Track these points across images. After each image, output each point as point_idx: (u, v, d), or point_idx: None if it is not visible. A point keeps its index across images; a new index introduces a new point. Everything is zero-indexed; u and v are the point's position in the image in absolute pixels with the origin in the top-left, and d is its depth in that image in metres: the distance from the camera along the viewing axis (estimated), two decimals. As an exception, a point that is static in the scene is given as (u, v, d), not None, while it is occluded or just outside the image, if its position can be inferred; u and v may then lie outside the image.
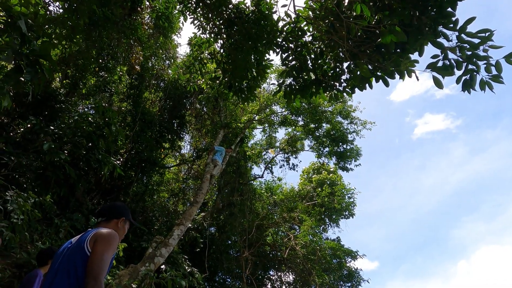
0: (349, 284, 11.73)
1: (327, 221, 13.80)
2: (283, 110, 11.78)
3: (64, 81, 9.05)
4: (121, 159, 9.70)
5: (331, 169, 15.08)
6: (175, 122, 11.26)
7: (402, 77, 2.89)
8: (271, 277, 12.91)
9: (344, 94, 3.69)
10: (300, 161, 11.74)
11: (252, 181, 12.83)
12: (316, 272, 10.32)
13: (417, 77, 2.82)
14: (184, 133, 12.04)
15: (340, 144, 11.07)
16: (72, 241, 1.89)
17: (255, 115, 12.25)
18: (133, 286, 5.32)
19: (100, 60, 9.12)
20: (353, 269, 11.95)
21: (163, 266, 6.70)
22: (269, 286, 12.62)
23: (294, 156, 12.95)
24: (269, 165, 12.98)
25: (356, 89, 3.50)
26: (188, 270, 7.62)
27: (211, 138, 11.51)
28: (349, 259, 12.21)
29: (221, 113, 11.31)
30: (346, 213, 13.73)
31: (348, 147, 11.19)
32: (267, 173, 13.16)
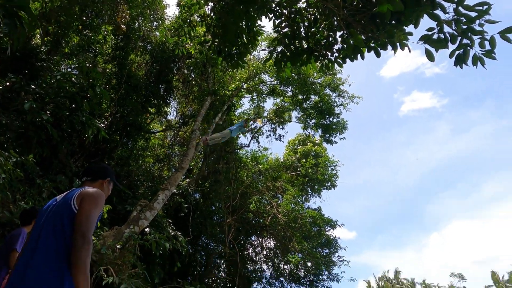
0: (326, 251, 12.30)
1: (310, 191, 14.18)
2: (272, 79, 11.65)
3: (46, 38, 8.58)
4: (106, 122, 9.52)
5: (317, 141, 15.28)
6: (161, 86, 11.00)
7: (394, 49, 2.88)
8: (253, 242, 13.37)
9: (335, 64, 3.66)
10: (287, 132, 11.84)
11: (238, 150, 12.90)
12: (296, 238, 10.73)
13: (409, 49, 2.81)
14: (170, 99, 11.82)
15: (327, 116, 11.15)
16: (57, 199, 1.88)
17: (243, 83, 12.08)
18: (117, 246, 5.41)
19: (84, 18, 8.66)
20: (332, 237, 12.49)
21: (147, 229, 6.82)
22: (250, 250, 13.10)
23: (281, 127, 13.00)
24: (256, 135, 13.02)
25: (348, 61, 3.48)
26: (172, 233, 7.78)
27: (198, 105, 11.36)
28: (328, 228, 12.71)
29: (209, 80, 11.10)
30: (328, 184, 14.11)
31: (335, 120, 11.29)
32: (254, 142, 13.25)
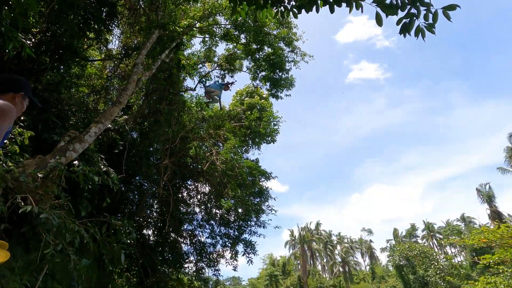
0: (258, 200, 13.02)
1: (250, 143, 14.51)
2: (227, 23, 11.07)
3: None
4: (33, 40, 8.34)
5: (264, 95, 15.36)
6: (104, 10, 9.79)
7: (350, 6, 2.88)
8: (188, 186, 13.55)
9: (291, 14, 3.56)
10: (236, 80, 11.60)
11: (183, 93, 12.43)
12: (231, 186, 11.11)
13: (362, 9, 2.83)
14: (113, 26, 10.65)
15: (277, 71, 11.12)
16: None
17: (196, 22, 11.33)
18: (39, 175, 5.06)
19: None
20: (264, 187, 13.19)
21: (76, 162, 6.45)
22: (185, 194, 13.31)
23: (230, 74, 12.70)
24: (203, 80, 12.59)
25: (308, 19, 3.40)
26: (104, 169, 7.49)
27: (144, 38, 10.46)
28: (263, 179, 13.34)
29: (159, 11, 10.17)
30: (269, 138, 14.54)
31: (284, 76, 11.33)
32: (200, 87, 12.83)
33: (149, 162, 11.26)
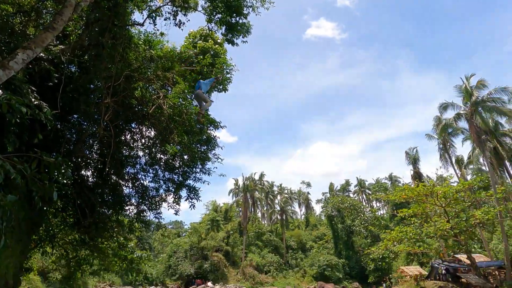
0: (204, 147, 13.00)
1: (201, 89, 14.03)
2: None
3: None
4: None
5: (218, 41, 14.66)
6: None
7: None
8: (132, 129, 12.98)
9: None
10: (189, 20, 10.66)
11: (129, 27, 11.33)
12: (177, 132, 10.86)
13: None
14: None
15: (234, 15, 10.55)
16: None
17: None
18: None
19: None
20: (212, 136, 13.14)
21: (-1, 91, 5.72)
22: (128, 136, 12.77)
23: (183, 12, 11.76)
24: (153, 14, 11.54)
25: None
26: (36, 102, 6.79)
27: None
28: (211, 128, 13.23)
29: None
30: (221, 87, 14.20)
31: (241, 21, 10.81)
32: (149, 23, 11.78)
33: (88, 100, 10.42)
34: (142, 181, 12.92)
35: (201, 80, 10.53)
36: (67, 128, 11.30)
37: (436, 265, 35.71)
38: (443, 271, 34.86)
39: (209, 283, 42.99)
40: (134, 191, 13.04)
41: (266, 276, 51.83)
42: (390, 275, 46.05)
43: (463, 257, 34.63)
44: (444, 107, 35.50)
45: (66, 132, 11.26)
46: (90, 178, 12.01)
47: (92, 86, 11.04)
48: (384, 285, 38.14)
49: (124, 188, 12.86)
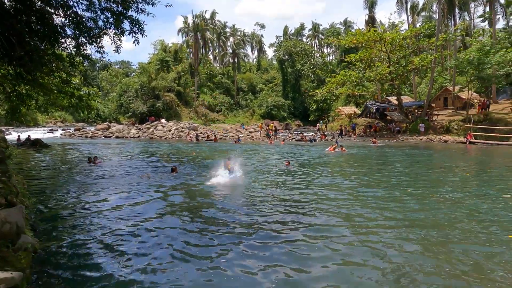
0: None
1: None
2: None
3: None
4: None
5: None
6: None
7: None
8: None
9: None
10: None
11: None
12: None
13: None
14: None
15: None
16: None
17: None
18: None
19: None
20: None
21: None
22: None
23: None
24: None
25: None
26: None
27: None
28: None
29: None
30: None
31: None
32: None
33: None
34: (75, 9, 11.22)
35: None
36: None
37: (369, 105, 40.35)
38: (374, 110, 39.82)
39: (163, 120, 45.19)
40: (67, 21, 11.47)
41: (218, 114, 55.36)
42: (329, 114, 51.80)
43: (393, 98, 39.17)
44: None
45: None
46: (6, 1, 10.11)
47: None
48: (321, 122, 43.29)
49: (54, 17, 11.19)
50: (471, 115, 28.46)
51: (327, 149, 21.30)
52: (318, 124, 43.00)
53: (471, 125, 27.18)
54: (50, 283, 4.12)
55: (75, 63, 12.09)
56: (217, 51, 75.53)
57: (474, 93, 33.91)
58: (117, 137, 36.62)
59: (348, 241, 5.40)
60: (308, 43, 73.55)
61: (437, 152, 20.50)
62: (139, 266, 4.53)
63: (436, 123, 31.77)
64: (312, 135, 33.79)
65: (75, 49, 11.62)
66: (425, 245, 5.21)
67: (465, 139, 25.76)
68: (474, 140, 25.42)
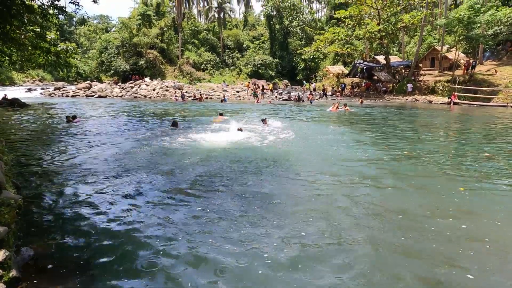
0: None
1: None
2: None
3: None
4: None
5: None
6: None
7: None
8: None
9: None
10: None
11: None
12: None
13: None
14: None
15: None
16: None
17: None
18: None
19: None
20: None
21: None
22: None
23: None
24: None
25: None
26: None
27: None
28: None
29: None
30: None
31: None
32: None
33: None
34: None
35: None
36: None
37: (357, 64, 39.93)
38: (362, 70, 39.52)
39: (147, 79, 43.83)
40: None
41: (203, 73, 53.85)
42: (316, 74, 51.17)
43: (381, 58, 38.78)
44: None
45: None
46: None
47: None
48: (305, 83, 42.96)
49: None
50: (456, 75, 28.61)
51: (329, 109, 21.16)
52: (304, 86, 42.87)
53: (456, 86, 27.44)
54: (37, 238, 4.16)
55: (48, 14, 11.30)
56: (201, 5, 71.84)
57: (461, 54, 33.83)
58: (99, 96, 35.54)
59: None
60: (297, -2, 70.48)
61: (422, 112, 20.83)
62: (124, 216, 4.62)
63: (422, 83, 31.91)
64: (298, 94, 33.53)
65: (48, 1, 10.83)
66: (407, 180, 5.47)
67: (449, 99, 26.11)
68: (457, 101, 25.81)
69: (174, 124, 13.10)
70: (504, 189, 6.01)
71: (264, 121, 13.85)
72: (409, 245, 4.03)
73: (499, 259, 3.74)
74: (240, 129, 11.71)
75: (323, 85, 38.66)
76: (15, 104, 22.53)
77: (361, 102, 26.76)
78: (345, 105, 21.44)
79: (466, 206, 5.22)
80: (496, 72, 27.98)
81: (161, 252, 3.84)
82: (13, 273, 3.09)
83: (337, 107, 20.91)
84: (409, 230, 4.39)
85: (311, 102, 29.00)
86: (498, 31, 29.41)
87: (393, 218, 4.76)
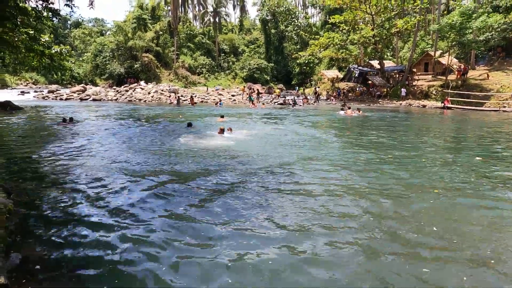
0: None
1: None
2: None
3: None
4: None
5: None
6: None
7: None
8: None
9: None
10: None
11: None
12: None
13: None
14: None
15: None
16: None
17: None
18: None
19: None
20: None
21: None
22: None
23: None
24: None
25: None
26: None
27: None
28: None
29: None
30: None
31: None
32: None
33: None
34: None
35: None
36: None
37: (352, 69, 40.19)
38: (356, 74, 39.78)
39: (142, 82, 43.67)
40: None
41: (199, 77, 53.82)
42: (311, 78, 51.39)
43: (375, 63, 39.09)
44: None
45: None
46: None
47: None
48: (297, 88, 43.18)
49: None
50: (449, 80, 28.91)
51: (342, 112, 21.54)
52: (297, 90, 43.43)
53: (449, 91, 27.71)
54: (27, 243, 4.09)
55: (42, 17, 11.23)
56: (197, 9, 72.00)
57: (454, 59, 34.23)
58: (94, 99, 35.30)
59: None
60: (292, 3, 71.00)
61: (416, 116, 20.98)
62: (114, 219, 4.56)
63: (416, 88, 32.18)
64: (294, 98, 33.60)
65: (40, 0, 10.77)
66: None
67: (443, 104, 26.35)
68: (450, 105, 26.06)
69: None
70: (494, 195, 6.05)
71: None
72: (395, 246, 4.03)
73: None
74: (230, 129, 12.55)
75: (315, 89, 38.89)
76: (8, 107, 22.28)
77: (359, 110, 26.61)
78: (359, 110, 21.83)
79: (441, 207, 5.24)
80: (488, 77, 28.33)
81: (150, 255, 3.81)
82: (1, 280, 3.03)
83: (352, 111, 21.38)
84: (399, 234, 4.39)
85: (294, 105, 29.48)
86: (490, 37, 29.82)
87: (388, 225, 4.77)
